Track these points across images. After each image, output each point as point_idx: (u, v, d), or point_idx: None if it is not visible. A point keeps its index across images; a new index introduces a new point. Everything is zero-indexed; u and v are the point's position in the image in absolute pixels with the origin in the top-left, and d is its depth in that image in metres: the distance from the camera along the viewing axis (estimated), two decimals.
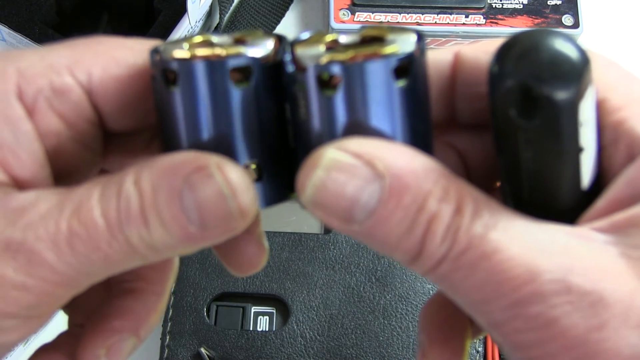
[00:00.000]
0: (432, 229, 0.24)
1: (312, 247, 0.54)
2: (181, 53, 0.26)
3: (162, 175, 0.25)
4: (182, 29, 0.56)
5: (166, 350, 0.51)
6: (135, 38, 0.29)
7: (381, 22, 0.60)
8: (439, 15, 0.60)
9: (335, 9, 0.60)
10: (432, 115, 0.27)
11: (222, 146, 0.26)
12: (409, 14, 0.60)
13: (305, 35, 0.27)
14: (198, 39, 0.27)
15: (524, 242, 0.24)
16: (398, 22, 0.60)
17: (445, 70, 0.29)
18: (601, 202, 0.25)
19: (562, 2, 0.61)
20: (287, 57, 0.27)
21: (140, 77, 0.28)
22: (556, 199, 0.26)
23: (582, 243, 0.24)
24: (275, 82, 0.27)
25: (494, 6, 0.61)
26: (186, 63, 0.26)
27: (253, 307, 0.53)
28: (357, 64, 0.25)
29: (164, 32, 0.56)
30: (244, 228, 0.26)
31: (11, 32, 0.55)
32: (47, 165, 0.28)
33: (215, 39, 0.27)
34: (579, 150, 0.25)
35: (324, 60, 0.26)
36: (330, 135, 0.26)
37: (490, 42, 0.27)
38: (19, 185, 0.27)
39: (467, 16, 0.60)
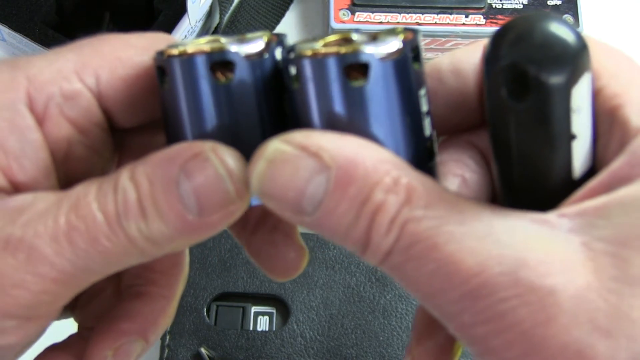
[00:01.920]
0: (376, 220, 0.24)
1: (312, 247, 0.54)
2: (170, 50, 0.26)
3: (157, 167, 0.25)
4: (182, 29, 0.56)
5: (166, 350, 0.51)
6: (138, 34, 0.29)
7: (381, 22, 0.60)
8: (439, 15, 0.60)
9: (335, 9, 0.60)
10: (416, 114, 0.26)
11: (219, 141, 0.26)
12: (409, 14, 0.60)
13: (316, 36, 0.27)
14: (205, 39, 0.27)
15: (478, 235, 0.23)
16: (398, 22, 0.60)
17: (477, 66, 0.29)
18: (580, 191, 0.25)
19: (562, 2, 0.61)
20: (283, 53, 0.27)
21: (146, 75, 0.28)
22: (545, 185, 0.26)
23: (543, 232, 0.24)
24: (276, 78, 0.27)
25: (494, 6, 0.61)
26: (169, 59, 0.26)
27: (253, 307, 0.53)
28: (305, 60, 0.25)
29: (164, 32, 0.56)
30: (241, 213, 0.26)
31: (11, 32, 0.55)
32: (53, 174, 0.28)
33: (222, 39, 0.27)
34: (570, 137, 0.25)
35: (292, 56, 0.26)
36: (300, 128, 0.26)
37: None
38: (23, 191, 0.27)
39: (467, 16, 0.60)
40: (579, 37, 0.24)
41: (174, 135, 0.27)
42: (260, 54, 0.27)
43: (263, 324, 0.52)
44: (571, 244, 0.23)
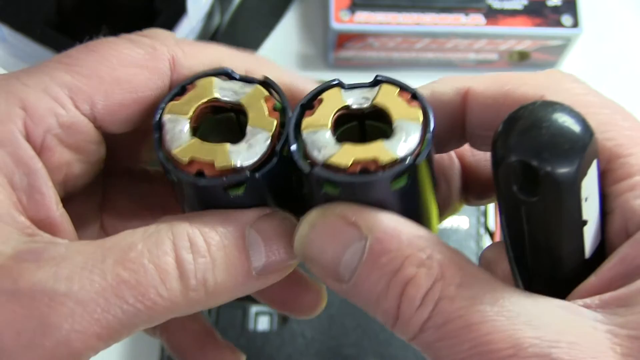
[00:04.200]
0: (407, 292, 0.24)
1: None
2: (184, 171, 0.27)
3: (226, 224, 0.26)
4: (182, 29, 0.56)
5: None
6: (138, 44, 0.29)
7: (381, 22, 0.60)
8: (439, 15, 0.60)
9: (335, 9, 0.60)
10: (435, 197, 0.28)
11: None
12: (409, 14, 0.60)
13: (310, 104, 0.27)
14: (201, 98, 0.28)
15: (511, 315, 0.24)
16: (398, 22, 0.60)
17: (457, 100, 0.29)
18: (594, 279, 0.25)
19: (561, 3, 0.61)
20: (294, 147, 0.26)
21: (143, 98, 0.29)
22: (560, 269, 0.26)
23: (571, 318, 0.24)
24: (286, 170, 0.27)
25: (493, 6, 0.61)
26: (187, 182, 0.27)
27: (253, 307, 0.53)
28: (351, 182, 0.25)
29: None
30: (288, 273, 0.28)
31: (12, 31, 0.55)
32: (59, 200, 0.28)
33: (217, 94, 0.28)
34: (582, 223, 0.25)
35: (324, 168, 0.26)
36: None
37: (499, 74, 0.28)
38: (37, 225, 0.27)
39: (467, 15, 0.60)
40: (585, 125, 0.23)
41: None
42: (272, 146, 0.27)
43: (263, 323, 0.52)
44: (598, 331, 0.24)
